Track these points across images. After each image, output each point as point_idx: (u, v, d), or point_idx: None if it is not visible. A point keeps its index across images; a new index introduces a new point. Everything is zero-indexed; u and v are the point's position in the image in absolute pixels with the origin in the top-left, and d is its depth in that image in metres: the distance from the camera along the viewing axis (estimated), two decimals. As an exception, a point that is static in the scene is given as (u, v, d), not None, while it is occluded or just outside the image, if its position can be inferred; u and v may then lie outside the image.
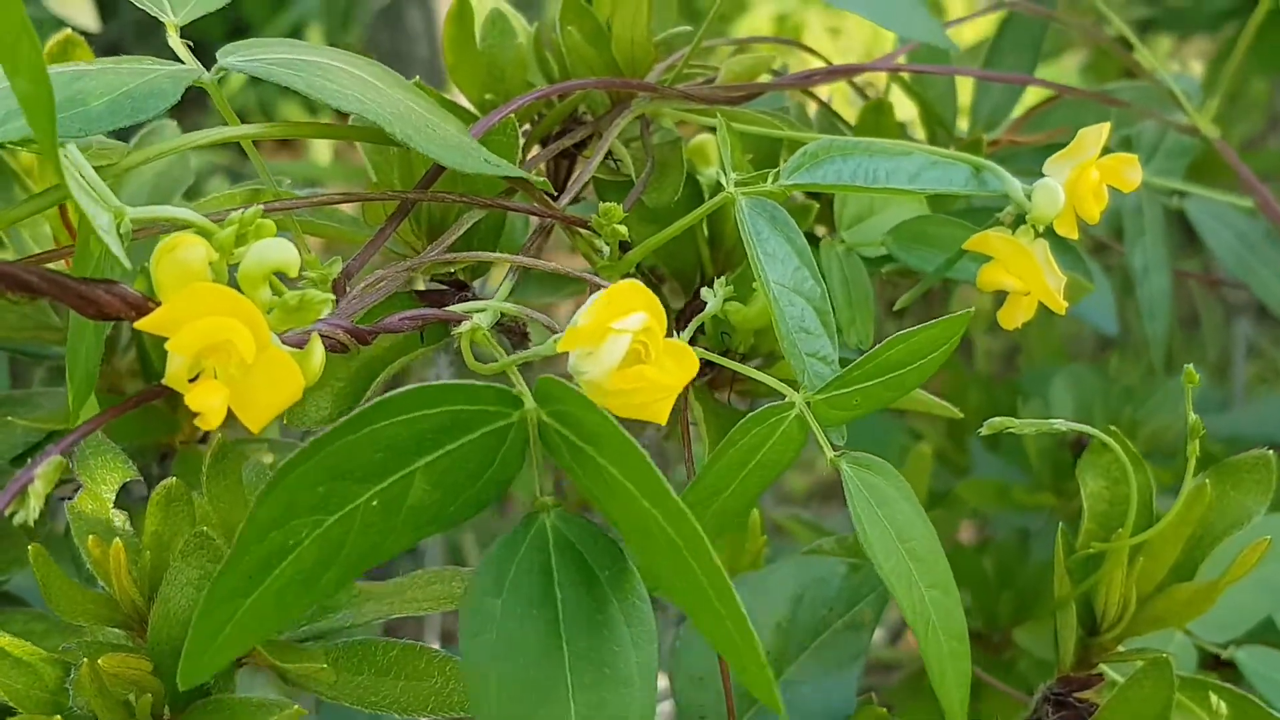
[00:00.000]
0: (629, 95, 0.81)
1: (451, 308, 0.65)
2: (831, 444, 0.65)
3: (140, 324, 0.51)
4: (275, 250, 0.53)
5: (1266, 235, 1.10)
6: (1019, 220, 0.73)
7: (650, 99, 0.80)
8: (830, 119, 0.98)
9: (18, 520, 0.51)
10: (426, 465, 0.55)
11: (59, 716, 0.59)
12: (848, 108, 1.04)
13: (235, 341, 0.50)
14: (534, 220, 0.80)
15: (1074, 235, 0.74)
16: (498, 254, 0.69)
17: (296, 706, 0.60)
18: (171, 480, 0.66)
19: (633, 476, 0.53)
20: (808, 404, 0.64)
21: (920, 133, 1.02)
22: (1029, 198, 0.72)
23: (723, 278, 0.72)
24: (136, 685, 0.62)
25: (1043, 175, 0.73)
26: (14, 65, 0.47)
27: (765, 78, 0.88)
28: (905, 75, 0.97)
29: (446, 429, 0.55)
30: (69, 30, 0.78)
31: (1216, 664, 0.85)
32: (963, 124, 1.04)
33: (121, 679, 0.62)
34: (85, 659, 0.60)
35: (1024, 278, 0.72)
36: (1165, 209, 1.10)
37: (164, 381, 0.53)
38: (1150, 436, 1.26)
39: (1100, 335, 1.91)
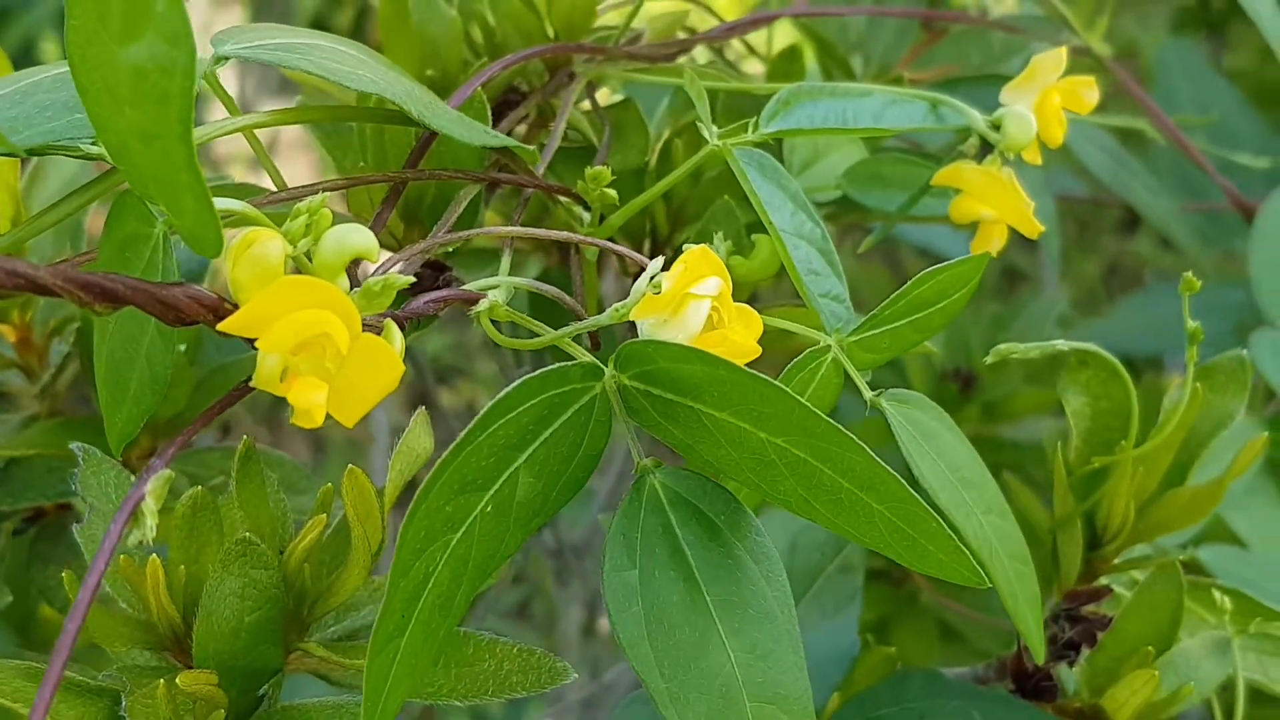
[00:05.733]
0: (565, 61, 0.81)
1: (469, 286, 0.64)
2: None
3: (224, 325, 0.49)
4: (355, 236, 0.52)
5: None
6: (983, 151, 0.75)
7: (598, 61, 0.79)
8: (734, 71, 0.98)
9: (133, 540, 0.49)
10: (528, 458, 0.55)
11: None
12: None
13: (331, 334, 0.49)
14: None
15: (1038, 161, 0.76)
16: (503, 228, 0.67)
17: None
18: (197, 489, 0.63)
19: (748, 410, 0.55)
20: (842, 347, 0.65)
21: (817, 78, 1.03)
22: (995, 127, 0.74)
23: (720, 235, 0.72)
24: (207, 701, 0.60)
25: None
26: (138, 26, 0.44)
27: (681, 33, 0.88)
28: (805, 21, 0.98)
29: (543, 417, 0.55)
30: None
31: (1178, 567, 0.88)
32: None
33: (187, 698, 0.60)
34: (161, 680, 0.58)
35: (999, 206, 0.73)
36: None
37: (253, 384, 0.51)
38: (1026, 359, 1.29)
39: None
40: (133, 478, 0.66)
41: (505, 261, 0.68)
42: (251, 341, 0.49)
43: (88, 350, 0.77)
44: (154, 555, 0.62)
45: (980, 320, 1.29)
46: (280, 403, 0.72)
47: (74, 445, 0.65)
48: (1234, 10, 2.02)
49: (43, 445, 0.76)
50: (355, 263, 0.63)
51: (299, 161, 3.21)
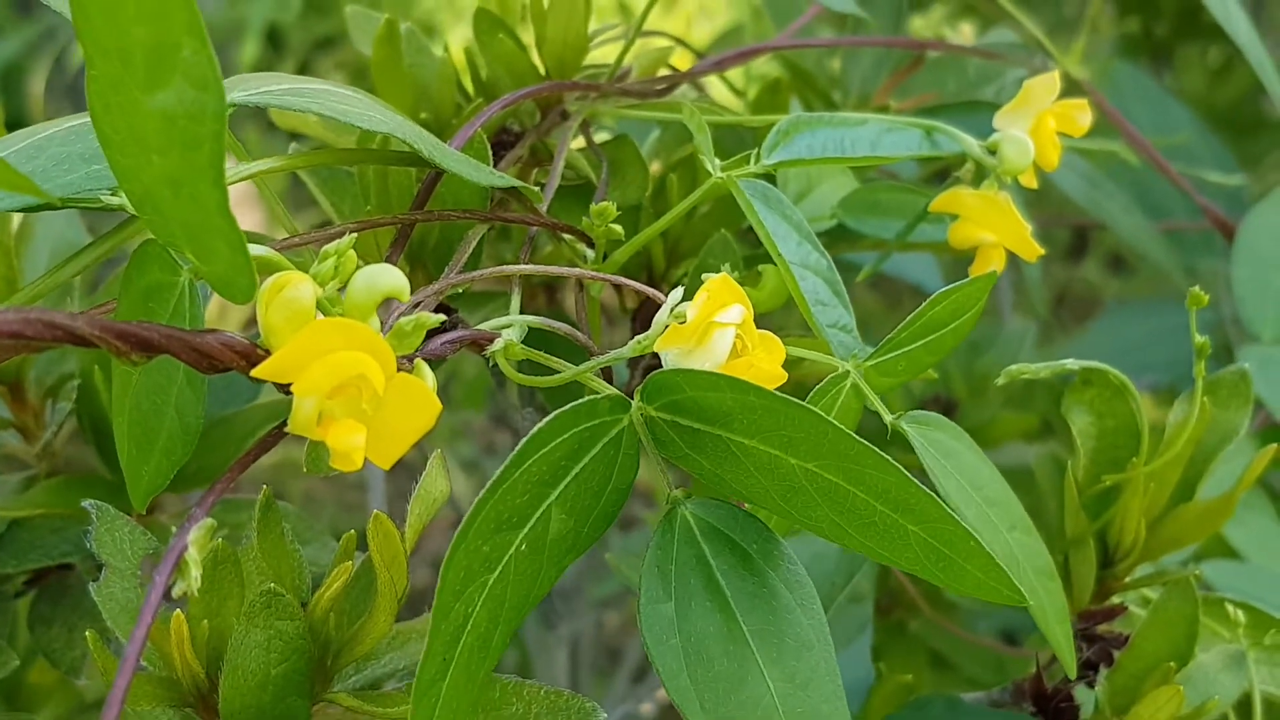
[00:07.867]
0: (557, 100, 0.80)
1: (483, 326, 0.63)
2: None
3: (258, 371, 0.48)
4: (385, 276, 0.51)
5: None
6: (979, 176, 0.75)
7: (592, 99, 0.79)
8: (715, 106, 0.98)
9: (178, 592, 0.48)
10: (560, 495, 0.55)
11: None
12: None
13: (367, 375, 0.48)
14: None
15: (1034, 184, 0.76)
16: (514, 267, 0.67)
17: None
18: (218, 542, 0.62)
19: (779, 436, 0.54)
20: (860, 372, 0.64)
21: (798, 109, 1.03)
22: (990, 153, 0.74)
23: (732, 267, 0.72)
24: (244, 758, 0.59)
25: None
26: (164, 73, 0.44)
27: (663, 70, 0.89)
28: (785, 54, 0.98)
29: (574, 452, 0.55)
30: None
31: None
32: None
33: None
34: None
35: (998, 229, 0.74)
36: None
37: (289, 429, 0.51)
38: (1005, 385, 1.29)
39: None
40: (148, 534, 0.65)
41: (515, 300, 0.68)
42: (285, 387, 0.49)
43: (88, 408, 0.76)
44: (178, 611, 0.61)
45: (957, 347, 1.30)
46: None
47: (86, 503, 0.64)
48: (1178, 36, 2.05)
49: (46, 505, 0.74)
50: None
51: (245, 221, 3.19)
